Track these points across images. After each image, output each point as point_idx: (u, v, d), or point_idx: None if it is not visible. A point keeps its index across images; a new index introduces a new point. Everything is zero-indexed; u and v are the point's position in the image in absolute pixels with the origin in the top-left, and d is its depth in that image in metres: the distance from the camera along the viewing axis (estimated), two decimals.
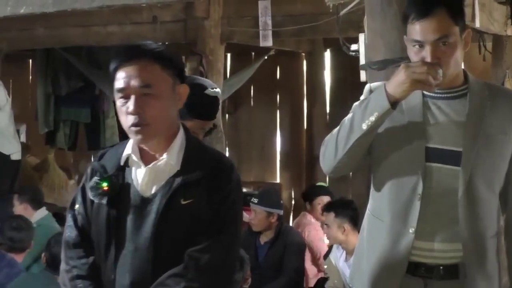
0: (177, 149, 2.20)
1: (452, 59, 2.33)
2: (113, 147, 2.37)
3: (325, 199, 5.75)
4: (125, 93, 2.13)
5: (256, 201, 5.19)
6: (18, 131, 7.04)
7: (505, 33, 5.28)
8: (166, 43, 6.00)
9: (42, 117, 7.55)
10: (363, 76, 3.33)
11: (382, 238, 2.44)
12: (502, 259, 2.51)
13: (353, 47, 3.55)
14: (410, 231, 2.38)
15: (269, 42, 5.74)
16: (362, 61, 3.37)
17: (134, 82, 2.12)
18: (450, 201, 2.38)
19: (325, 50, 7.89)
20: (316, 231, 5.56)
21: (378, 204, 2.49)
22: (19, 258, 4.65)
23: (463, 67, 2.49)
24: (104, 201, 2.19)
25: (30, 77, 9.00)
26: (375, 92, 2.35)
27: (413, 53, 2.37)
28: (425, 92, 2.42)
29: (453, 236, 2.39)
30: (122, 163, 2.23)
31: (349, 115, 2.41)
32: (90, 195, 2.22)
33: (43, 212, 5.63)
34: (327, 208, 4.91)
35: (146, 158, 2.22)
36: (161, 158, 2.19)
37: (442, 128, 2.38)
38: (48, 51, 7.33)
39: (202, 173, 2.17)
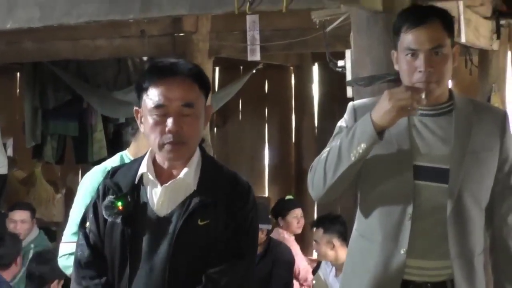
0: (194, 168, 2.18)
1: (444, 69, 2.35)
2: (125, 164, 2.35)
3: (298, 212, 5.71)
4: (164, 110, 2.11)
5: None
6: (4, 145, 7.01)
7: (491, 47, 5.33)
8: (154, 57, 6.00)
9: (29, 131, 7.50)
10: (349, 92, 3.33)
11: (373, 260, 2.43)
12: (488, 274, 2.52)
13: (340, 63, 3.57)
14: (402, 251, 2.38)
15: (257, 57, 5.75)
16: (349, 77, 3.38)
17: (177, 100, 2.10)
18: (439, 218, 2.38)
19: (313, 64, 7.91)
20: (292, 247, 5.54)
21: (368, 225, 2.47)
22: (6, 274, 4.59)
23: (450, 82, 2.50)
24: (119, 220, 2.16)
25: (18, 90, 8.96)
26: (362, 122, 2.33)
27: (405, 63, 2.36)
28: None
29: (442, 254, 2.39)
30: (136, 181, 2.20)
31: (336, 143, 2.38)
32: (104, 214, 2.18)
33: (35, 231, 5.59)
34: (316, 224, 4.91)
35: (161, 176, 2.19)
36: (178, 177, 2.16)
37: (429, 145, 2.38)
38: (35, 64, 7.30)
39: (220, 194, 2.15)
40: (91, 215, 2.24)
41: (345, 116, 2.53)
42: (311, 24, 4.24)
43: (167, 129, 2.10)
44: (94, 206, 2.25)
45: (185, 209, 2.13)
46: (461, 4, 4.11)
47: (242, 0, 3.03)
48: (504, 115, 2.50)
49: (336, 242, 4.71)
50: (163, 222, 2.15)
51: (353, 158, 2.32)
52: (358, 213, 2.53)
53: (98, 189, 2.26)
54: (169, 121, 2.10)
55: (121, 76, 7.18)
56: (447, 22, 2.37)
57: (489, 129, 2.43)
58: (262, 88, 8.25)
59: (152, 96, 2.12)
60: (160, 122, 2.11)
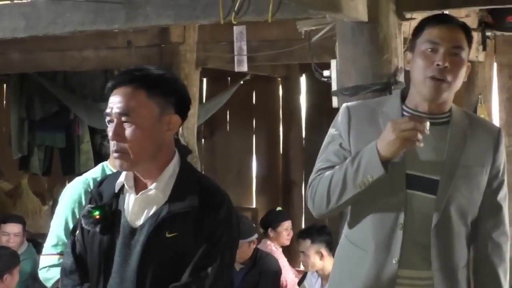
0: (166, 178, 2.15)
1: (459, 73, 2.35)
2: (111, 174, 2.36)
3: (288, 223, 5.72)
4: (110, 118, 2.13)
5: (250, 239, 5.09)
6: None
7: (477, 59, 5.35)
8: None
9: (16, 142, 7.46)
10: (335, 102, 3.34)
11: (365, 268, 2.42)
12: None
13: (325, 73, 3.57)
14: (394, 261, 2.38)
15: (244, 67, 5.76)
16: (334, 87, 3.38)
17: (116, 109, 2.10)
18: (426, 229, 2.38)
19: (301, 75, 7.92)
20: (279, 259, 5.52)
21: (360, 233, 2.46)
22: None
23: None
24: (98, 229, 2.17)
25: (4, 101, 8.92)
26: (368, 152, 2.32)
27: (423, 57, 2.36)
28: (406, 114, 2.42)
29: (429, 264, 2.39)
30: (116, 190, 2.20)
31: (342, 168, 2.37)
32: (82, 222, 2.19)
33: (25, 243, 5.56)
34: (302, 235, 4.90)
35: (139, 186, 2.18)
36: (148, 188, 2.15)
37: (422, 155, 2.37)
38: (22, 75, 7.28)
39: (190, 206, 2.11)
40: (79, 225, 2.25)
41: (338, 118, 2.52)
42: (298, 35, 4.25)
43: (109, 137, 2.14)
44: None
45: (154, 220, 2.12)
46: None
47: (227, 10, 3.03)
48: (499, 132, 2.50)
49: (324, 252, 4.71)
50: (135, 232, 2.14)
51: (358, 189, 2.34)
52: (349, 220, 2.52)
53: (86, 199, 2.30)
54: (109, 130, 2.13)
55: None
56: (468, 34, 2.42)
57: (483, 144, 2.43)
58: (250, 99, 8.26)
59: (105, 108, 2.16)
60: (109, 132, 2.14)
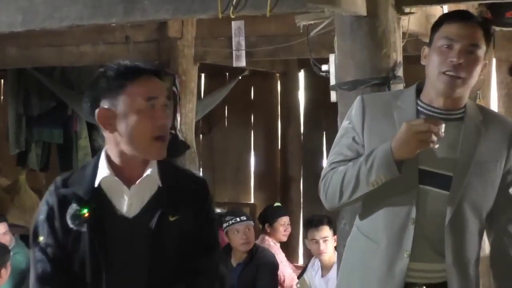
0: (155, 165, 2.19)
1: (474, 70, 2.36)
2: (74, 172, 2.28)
3: (286, 219, 5.72)
4: (154, 102, 2.14)
5: (244, 218, 5.14)
6: None
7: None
8: None
9: (13, 138, 7.45)
10: (333, 96, 3.33)
11: (377, 261, 2.44)
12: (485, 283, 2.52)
13: (324, 67, 3.56)
14: (405, 255, 2.40)
15: (242, 63, 5.75)
16: (333, 81, 3.37)
17: (164, 95, 2.16)
18: (438, 224, 2.39)
19: (299, 71, 7.91)
20: (277, 255, 5.53)
21: (372, 227, 2.48)
22: None
23: None
24: (84, 228, 2.13)
25: (1, 97, 8.91)
26: (382, 151, 2.33)
27: (438, 53, 2.37)
28: (420, 109, 2.43)
29: (442, 257, 2.41)
30: (97, 184, 2.17)
31: (355, 165, 2.39)
32: (70, 224, 2.14)
33: (12, 239, 5.52)
34: (318, 223, 4.90)
35: (122, 178, 2.18)
36: (145, 174, 2.15)
37: (436, 151, 2.36)
38: (19, 71, 7.26)
39: (183, 190, 2.19)
40: (45, 230, 2.17)
41: (352, 111, 2.52)
42: (297, 30, 4.24)
43: (158, 123, 2.13)
44: (48, 219, 2.18)
45: (154, 207, 2.15)
46: (446, 10, 4.12)
47: (225, 5, 3.02)
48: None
49: (335, 239, 4.73)
50: (134, 223, 2.14)
51: (371, 187, 2.36)
52: (362, 212, 2.54)
53: (48, 202, 2.19)
54: (159, 114, 2.13)
55: None
56: (486, 31, 2.41)
57: (497, 139, 2.43)
58: (248, 95, 8.24)
59: (139, 89, 2.12)
60: (153, 114, 2.13)
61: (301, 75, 7.96)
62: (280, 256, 5.54)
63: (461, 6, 4.61)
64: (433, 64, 2.38)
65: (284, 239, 5.76)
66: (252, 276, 5.02)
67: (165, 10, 3.21)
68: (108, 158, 2.19)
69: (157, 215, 2.13)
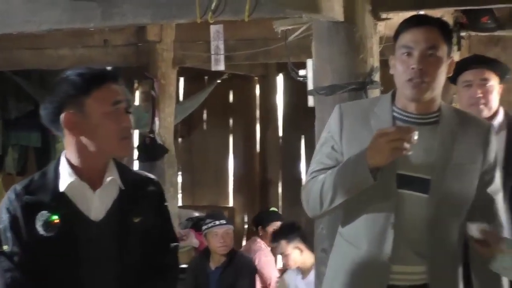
0: (115, 169, 2.25)
1: (437, 72, 2.38)
2: (33, 179, 2.24)
3: (278, 224, 5.75)
4: (121, 105, 2.23)
5: (224, 222, 5.16)
6: None
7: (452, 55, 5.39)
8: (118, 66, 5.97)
9: None
10: (311, 101, 3.35)
11: (358, 266, 2.47)
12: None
13: (301, 72, 3.59)
14: (386, 259, 2.42)
15: (221, 66, 5.76)
16: (310, 86, 3.40)
17: (125, 99, 2.26)
18: (418, 227, 2.42)
19: (278, 74, 7.94)
20: (267, 258, 5.56)
21: (354, 232, 2.50)
22: None
23: None
24: (53, 233, 2.14)
25: None
26: (356, 160, 2.36)
27: (400, 62, 2.41)
28: (396, 115, 2.46)
29: (423, 260, 2.43)
30: (62, 189, 2.18)
31: (332, 174, 2.43)
32: (41, 231, 2.14)
33: None
34: (276, 238, 4.96)
35: (85, 182, 2.20)
36: (109, 178, 2.20)
37: (413, 155, 2.36)
38: None
39: (143, 191, 2.29)
40: (9, 238, 2.16)
41: (331, 120, 2.55)
42: (275, 34, 4.26)
43: (125, 125, 2.21)
44: (12, 227, 2.16)
45: (119, 209, 2.21)
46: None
47: (204, 9, 3.03)
48: (489, 128, 2.54)
49: (301, 246, 4.81)
50: (100, 226, 2.18)
51: (349, 195, 2.40)
52: (343, 218, 2.56)
53: (9, 210, 2.17)
54: (125, 117, 2.22)
55: None
56: (444, 30, 2.44)
57: (473, 141, 2.46)
58: (227, 99, 8.26)
59: (106, 94, 2.20)
60: (118, 118, 2.21)
61: (280, 78, 7.99)
62: (270, 258, 5.60)
63: (437, 12, 4.67)
64: (398, 73, 2.42)
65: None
66: (231, 280, 5.04)
67: (143, 15, 3.22)
68: (70, 163, 2.20)
69: (123, 217, 2.20)
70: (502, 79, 3.27)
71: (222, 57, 5.66)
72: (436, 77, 2.39)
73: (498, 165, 2.53)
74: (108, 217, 2.20)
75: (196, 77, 7.88)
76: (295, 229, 4.97)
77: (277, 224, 5.72)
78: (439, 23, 2.43)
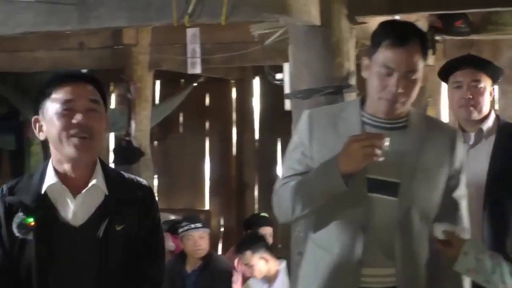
0: (100, 173, 2.21)
1: (413, 92, 2.41)
2: (21, 179, 2.27)
3: (268, 229, 5.75)
4: (71, 105, 2.15)
5: (199, 225, 5.15)
6: None
7: (427, 63, 5.44)
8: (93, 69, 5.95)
9: None
10: (287, 105, 3.37)
11: (330, 270, 2.48)
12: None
13: (278, 76, 3.60)
14: (357, 261, 2.44)
15: (197, 70, 5.75)
16: (287, 90, 3.41)
17: (87, 97, 2.17)
18: (388, 230, 2.44)
19: (254, 78, 7.94)
20: None
21: (326, 237, 2.51)
22: None
23: None
24: (30, 236, 2.13)
25: None
26: (328, 167, 2.37)
27: (378, 78, 2.39)
28: (365, 120, 2.47)
29: (393, 262, 2.46)
30: (43, 191, 2.17)
31: (305, 181, 2.44)
32: (17, 232, 2.14)
33: None
34: (241, 249, 4.96)
35: (68, 186, 2.18)
36: (91, 183, 2.17)
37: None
38: None
39: (129, 198, 2.22)
40: None
41: (300, 126, 2.56)
42: (252, 38, 4.27)
43: (75, 122, 2.13)
44: None
45: (101, 216, 2.17)
46: (397, 19, 4.19)
47: (181, 13, 3.03)
48: (455, 133, 2.58)
49: (267, 256, 4.84)
50: (81, 232, 2.16)
51: (322, 202, 2.42)
52: (315, 224, 2.57)
53: None
54: (78, 115, 2.14)
55: None
56: (424, 44, 2.43)
57: (440, 146, 2.49)
58: (203, 102, 8.24)
59: (58, 95, 2.16)
60: (66, 116, 2.14)
61: (256, 82, 7.99)
62: None
63: (412, 16, 4.71)
64: (373, 86, 2.42)
65: None
66: (207, 283, 5.03)
67: (120, 18, 3.21)
68: (53, 166, 2.21)
69: (104, 224, 2.16)
70: (494, 81, 3.20)
71: (198, 60, 5.66)
72: (411, 96, 2.42)
73: (463, 170, 2.55)
74: (89, 223, 2.16)
75: (172, 80, 7.86)
76: (258, 239, 5.00)
77: (266, 229, 5.71)
78: (419, 38, 2.41)
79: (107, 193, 2.19)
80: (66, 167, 2.19)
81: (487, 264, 2.35)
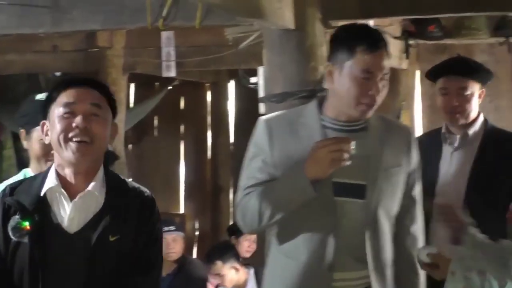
0: (100, 182, 2.19)
1: (384, 94, 2.45)
2: (24, 180, 2.28)
3: (252, 236, 5.75)
4: (72, 108, 2.14)
5: (173, 228, 5.13)
6: None
7: (401, 66, 5.50)
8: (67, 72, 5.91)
9: None
10: (262, 108, 3.37)
11: (299, 278, 2.47)
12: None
13: (253, 80, 3.61)
14: (327, 266, 2.44)
15: (172, 73, 5.74)
16: (261, 93, 3.42)
17: (87, 100, 2.16)
18: (357, 232, 2.46)
19: (229, 81, 7.94)
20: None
21: (292, 245, 2.49)
22: None
23: None
24: (25, 239, 2.11)
25: None
26: (295, 174, 2.36)
27: (358, 84, 2.41)
28: (325, 124, 2.48)
29: (363, 265, 2.47)
30: (42, 194, 2.16)
31: (271, 190, 2.42)
32: (11, 235, 2.12)
33: None
34: (211, 259, 4.96)
35: (68, 191, 2.17)
36: (86, 189, 2.15)
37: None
38: None
39: (128, 209, 2.18)
40: None
41: (258, 135, 2.54)
42: (227, 41, 4.27)
43: (74, 125, 2.12)
44: None
45: (96, 225, 2.13)
46: (371, 23, 4.22)
47: (155, 16, 3.03)
48: (410, 132, 2.65)
49: (237, 265, 4.86)
50: (75, 239, 2.13)
51: (290, 209, 2.41)
52: (279, 233, 2.55)
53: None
54: (78, 118, 2.13)
55: (32, 92, 7.01)
56: (388, 45, 2.50)
57: (398, 146, 2.53)
58: (178, 105, 8.22)
59: (61, 99, 2.16)
60: (67, 119, 2.13)
61: (231, 85, 7.99)
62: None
63: (386, 20, 4.75)
64: (351, 92, 2.43)
65: (247, 254, 5.77)
66: (182, 287, 5.02)
67: (94, 21, 3.20)
68: (56, 169, 2.20)
69: (98, 233, 2.12)
70: (483, 84, 3.18)
71: (173, 64, 5.64)
72: (382, 99, 2.47)
73: (419, 169, 2.60)
74: (84, 231, 2.14)
75: (147, 84, 7.83)
76: (229, 248, 5.02)
77: (249, 236, 5.71)
78: (385, 39, 2.47)
79: (102, 201, 2.16)
80: (67, 171, 2.17)
81: (476, 282, 2.36)
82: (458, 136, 3.14)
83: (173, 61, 5.62)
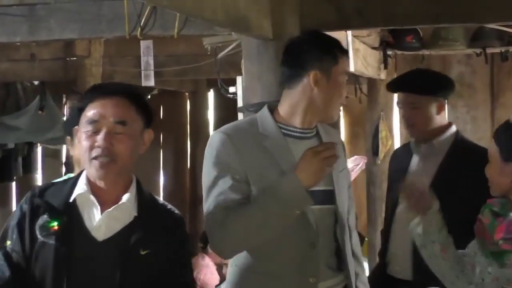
0: (134, 193, 2.16)
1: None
2: (55, 183, 2.26)
3: None
4: (97, 125, 2.10)
5: None
6: None
7: (379, 77, 5.53)
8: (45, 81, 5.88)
9: None
10: (240, 118, 3.37)
11: None
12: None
13: (231, 89, 3.61)
14: (311, 280, 2.38)
15: (151, 82, 5.73)
16: (240, 103, 3.42)
17: (111, 117, 2.10)
18: (329, 239, 2.45)
19: (208, 90, 7.96)
20: (212, 275, 5.58)
21: (270, 261, 2.40)
22: None
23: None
24: (52, 240, 2.08)
25: None
26: (288, 185, 2.27)
27: (340, 86, 2.45)
28: (284, 131, 2.43)
29: (336, 271, 2.47)
30: (71, 201, 2.13)
31: (259, 208, 2.28)
32: (38, 234, 2.09)
33: None
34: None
35: (98, 198, 2.14)
36: (121, 202, 2.12)
37: None
38: None
39: (159, 225, 2.14)
40: (14, 235, 2.13)
41: (219, 149, 2.37)
42: (205, 51, 4.27)
43: (97, 144, 2.09)
44: (19, 225, 2.14)
45: (127, 237, 2.10)
46: (349, 34, 4.25)
47: (133, 25, 3.03)
48: (339, 133, 2.68)
49: None
50: (104, 247, 2.10)
51: (284, 223, 2.31)
52: (254, 252, 2.41)
53: (22, 208, 2.16)
54: (100, 137, 2.09)
55: (10, 101, 6.99)
56: None
57: (339, 148, 2.47)
58: (157, 114, 8.22)
59: (87, 113, 2.13)
60: (91, 137, 2.10)
61: (211, 94, 8.00)
62: (215, 276, 5.64)
63: (364, 31, 4.78)
64: (337, 96, 2.44)
65: (224, 261, 5.75)
66: None
67: (71, 30, 3.19)
68: (87, 175, 2.17)
69: (129, 245, 2.09)
70: (442, 97, 3.16)
71: (152, 73, 5.64)
72: None
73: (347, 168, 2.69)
74: (113, 240, 2.10)
75: None
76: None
77: None
78: None
79: (133, 214, 2.13)
80: (97, 181, 2.15)
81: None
82: (424, 145, 3.20)
83: (152, 70, 5.61)
